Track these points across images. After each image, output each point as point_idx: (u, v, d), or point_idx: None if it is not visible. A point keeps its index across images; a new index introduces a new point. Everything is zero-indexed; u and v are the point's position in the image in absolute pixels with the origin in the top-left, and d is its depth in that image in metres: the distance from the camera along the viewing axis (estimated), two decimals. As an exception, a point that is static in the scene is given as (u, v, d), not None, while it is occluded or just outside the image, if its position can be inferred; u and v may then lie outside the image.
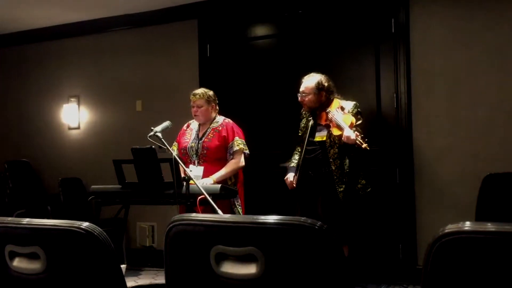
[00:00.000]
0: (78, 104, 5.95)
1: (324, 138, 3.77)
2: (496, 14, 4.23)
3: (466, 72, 4.30)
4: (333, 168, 3.69)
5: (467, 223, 0.99)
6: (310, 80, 3.86)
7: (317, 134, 3.83)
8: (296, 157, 3.94)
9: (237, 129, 3.94)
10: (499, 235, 0.95)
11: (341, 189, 3.67)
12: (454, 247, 0.99)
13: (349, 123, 3.63)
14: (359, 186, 3.76)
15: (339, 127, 3.65)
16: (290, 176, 3.89)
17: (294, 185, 3.86)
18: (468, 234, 0.98)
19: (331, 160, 3.71)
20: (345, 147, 3.68)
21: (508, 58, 4.18)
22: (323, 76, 3.88)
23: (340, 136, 3.63)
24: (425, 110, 4.42)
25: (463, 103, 4.31)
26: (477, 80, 4.27)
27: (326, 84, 3.83)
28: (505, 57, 4.19)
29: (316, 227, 1.14)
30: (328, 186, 3.72)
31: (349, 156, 3.73)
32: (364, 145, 3.50)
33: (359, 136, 3.53)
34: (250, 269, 1.20)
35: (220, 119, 3.98)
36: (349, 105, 3.81)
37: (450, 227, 1.00)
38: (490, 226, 0.96)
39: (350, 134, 3.54)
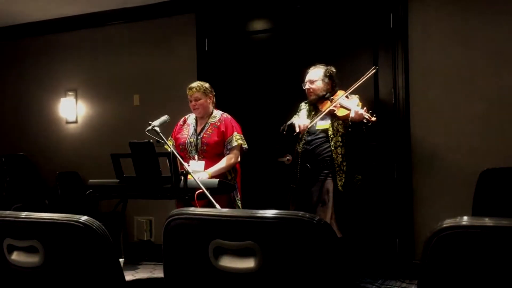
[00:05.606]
0: (76, 98, 5.94)
1: (327, 127, 3.77)
2: (494, 9, 4.22)
3: (464, 67, 4.31)
4: (335, 156, 3.69)
5: (465, 218, 0.99)
6: (318, 69, 3.94)
7: (318, 123, 3.82)
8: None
9: (235, 124, 3.92)
10: (497, 230, 0.95)
11: (341, 179, 3.67)
12: (451, 241, 0.99)
13: (356, 104, 3.69)
14: (355, 179, 3.78)
15: (345, 108, 3.69)
16: (301, 121, 3.84)
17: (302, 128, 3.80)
18: (466, 229, 0.98)
19: (332, 148, 3.70)
20: (353, 128, 3.64)
21: (506, 54, 4.18)
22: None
23: (346, 117, 3.65)
24: (423, 105, 4.43)
25: (461, 99, 4.31)
26: (475, 75, 4.27)
27: (334, 71, 3.92)
28: (503, 52, 4.19)
29: (314, 221, 1.14)
30: (326, 176, 3.70)
31: (354, 138, 3.71)
32: (374, 119, 3.54)
33: (367, 111, 3.58)
34: (248, 263, 1.20)
35: (218, 113, 3.96)
36: (353, 96, 3.86)
37: (448, 222, 1.00)
38: (487, 221, 0.96)
39: (358, 109, 3.59)
